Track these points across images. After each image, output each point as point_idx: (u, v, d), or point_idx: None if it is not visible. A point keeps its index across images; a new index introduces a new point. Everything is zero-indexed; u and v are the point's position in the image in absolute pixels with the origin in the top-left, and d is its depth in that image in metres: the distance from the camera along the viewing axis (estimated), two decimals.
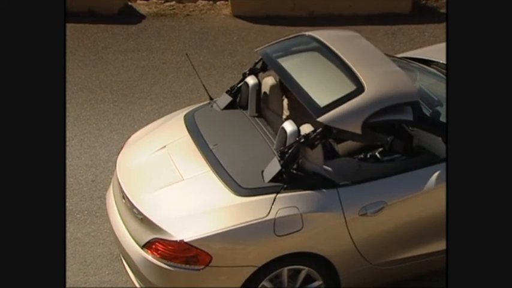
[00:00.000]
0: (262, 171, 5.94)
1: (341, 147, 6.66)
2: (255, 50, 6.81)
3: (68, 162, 7.79)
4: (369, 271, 6.09)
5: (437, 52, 7.41)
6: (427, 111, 6.33)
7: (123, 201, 6.18)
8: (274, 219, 5.77)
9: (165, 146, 6.40)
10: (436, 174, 6.05)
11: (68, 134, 8.17)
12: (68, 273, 6.68)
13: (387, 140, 6.61)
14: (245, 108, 6.63)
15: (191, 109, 6.78)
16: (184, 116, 6.64)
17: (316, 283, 6.03)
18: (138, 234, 5.97)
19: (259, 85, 6.60)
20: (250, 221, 5.76)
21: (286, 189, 5.85)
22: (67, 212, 7.21)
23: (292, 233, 5.79)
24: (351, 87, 6.01)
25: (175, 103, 8.55)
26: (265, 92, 6.60)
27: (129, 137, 6.84)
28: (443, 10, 10.12)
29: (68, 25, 9.74)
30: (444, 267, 5.79)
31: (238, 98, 6.70)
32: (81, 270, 6.76)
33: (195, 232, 5.74)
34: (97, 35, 9.91)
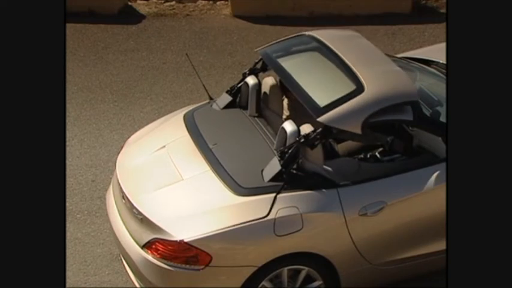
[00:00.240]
0: (262, 171, 5.95)
1: (341, 147, 6.66)
2: (255, 50, 6.80)
3: (68, 162, 7.79)
4: (369, 271, 6.09)
5: (437, 52, 7.41)
6: (427, 111, 6.33)
7: (123, 201, 6.17)
8: (274, 219, 5.77)
9: (164, 146, 6.39)
10: (436, 174, 6.05)
11: (68, 134, 8.17)
12: (68, 273, 6.68)
13: (387, 140, 6.61)
14: (245, 108, 6.63)
15: (190, 109, 6.78)
16: (184, 116, 6.64)
17: (316, 283, 6.02)
18: (138, 234, 5.97)
19: (259, 85, 6.59)
20: (250, 221, 5.76)
21: (286, 189, 5.85)
22: (67, 212, 7.21)
23: (292, 233, 5.79)
24: (351, 87, 6.01)
25: (175, 103, 8.55)
26: (265, 92, 6.60)
27: (129, 137, 6.84)
28: (443, 10, 10.11)
29: (68, 25, 9.74)
30: (444, 267, 5.79)
31: (238, 98, 6.70)
32: (81, 270, 6.76)
33: (195, 232, 5.74)
34: (97, 35, 9.91)
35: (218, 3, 10.53)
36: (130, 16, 10.29)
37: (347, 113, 5.88)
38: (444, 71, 7.00)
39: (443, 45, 7.40)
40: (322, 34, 6.58)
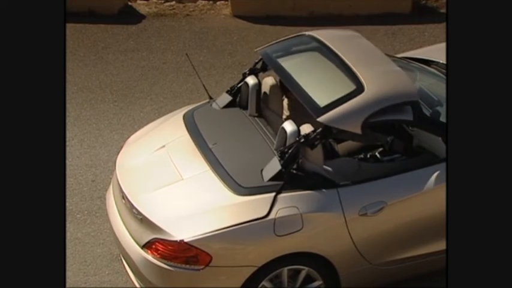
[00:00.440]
0: (262, 170, 5.94)
1: (341, 147, 6.66)
2: (255, 50, 6.80)
3: (68, 162, 7.79)
4: (369, 271, 6.09)
5: (437, 52, 7.41)
6: (427, 111, 6.32)
7: (123, 201, 6.17)
8: (274, 219, 5.77)
9: (164, 146, 6.39)
10: (436, 174, 6.05)
11: (68, 134, 8.17)
12: (68, 273, 6.68)
13: (387, 140, 6.61)
14: (245, 108, 6.63)
15: (190, 108, 6.77)
16: (184, 116, 6.64)
17: (316, 283, 6.02)
18: (138, 234, 5.97)
19: (259, 85, 6.59)
20: (250, 220, 5.76)
21: (286, 189, 5.85)
22: (67, 212, 7.21)
23: (292, 233, 5.79)
24: (351, 87, 6.01)
25: (175, 103, 8.55)
26: (265, 92, 6.60)
27: (129, 137, 6.84)
28: (443, 10, 10.11)
29: (68, 25, 9.74)
30: (444, 267, 5.79)
31: (238, 97, 6.70)
32: (81, 270, 6.76)
33: (194, 232, 5.74)
34: (97, 35, 9.91)
35: (218, 3, 10.53)
36: (130, 16, 10.29)
37: (347, 113, 5.88)
38: (444, 71, 7.00)
39: (443, 45, 7.40)
40: (322, 34, 6.58)
